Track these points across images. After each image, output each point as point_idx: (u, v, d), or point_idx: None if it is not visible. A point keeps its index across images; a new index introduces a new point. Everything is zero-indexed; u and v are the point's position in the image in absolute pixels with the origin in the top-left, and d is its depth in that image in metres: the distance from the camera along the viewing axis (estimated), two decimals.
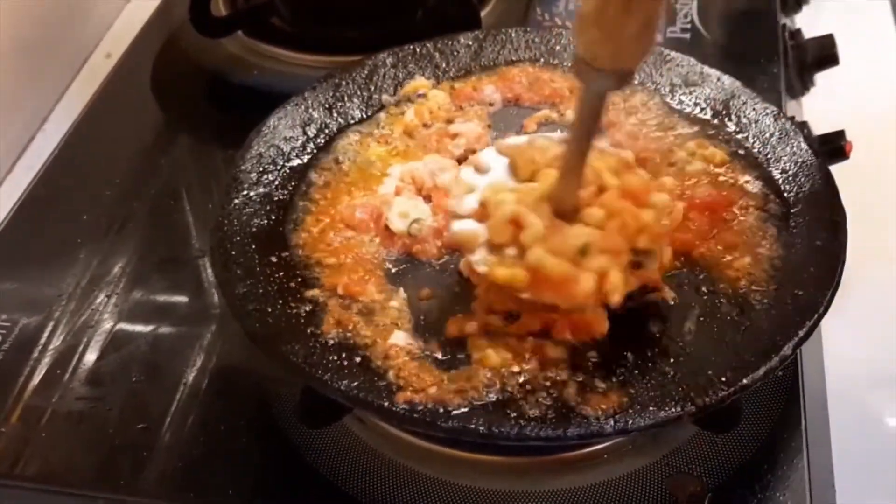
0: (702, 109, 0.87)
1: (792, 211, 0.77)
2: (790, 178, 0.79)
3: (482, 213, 0.69)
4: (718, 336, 0.68)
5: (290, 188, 0.81)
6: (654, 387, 0.65)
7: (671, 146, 0.83)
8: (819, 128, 0.94)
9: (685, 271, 0.73)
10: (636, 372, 0.66)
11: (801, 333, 0.66)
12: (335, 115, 0.87)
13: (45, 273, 0.89)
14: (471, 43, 0.93)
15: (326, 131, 0.86)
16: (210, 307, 0.85)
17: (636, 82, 0.89)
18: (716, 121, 0.86)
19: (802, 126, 0.91)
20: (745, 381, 0.64)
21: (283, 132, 0.84)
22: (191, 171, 1.02)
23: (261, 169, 0.81)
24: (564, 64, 0.92)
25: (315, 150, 0.84)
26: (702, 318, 0.70)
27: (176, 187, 0.99)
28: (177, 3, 1.16)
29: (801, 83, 1.07)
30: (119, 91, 1.11)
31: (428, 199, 0.80)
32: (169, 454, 0.74)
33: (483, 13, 1.11)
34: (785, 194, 0.78)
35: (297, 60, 1.10)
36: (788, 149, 0.81)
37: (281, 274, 0.73)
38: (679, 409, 0.63)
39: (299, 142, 0.85)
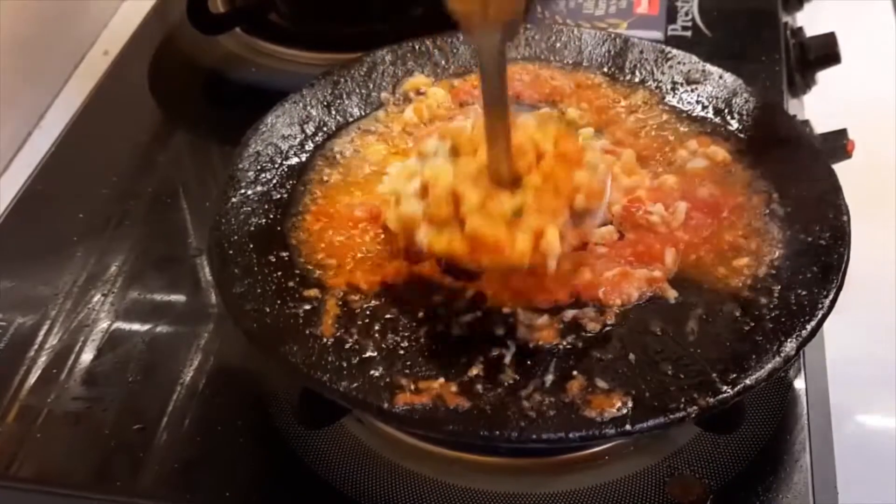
0: (703, 107, 0.86)
1: (794, 210, 0.76)
2: (793, 177, 0.78)
3: (424, 194, 0.70)
4: (721, 336, 0.68)
5: (289, 187, 0.80)
6: (657, 388, 0.64)
7: (672, 144, 0.83)
8: (821, 126, 0.94)
9: (688, 271, 0.73)
10: (638, 373, 0.65)
11: (804, 333, 0.66)
12: (334, 112, 0.87)
13: (41, 271, 0.88)
14: None
15: (325, 129, 0.86)
16: (207, 306, 0.85)
17: (637, 80, 0.89)
18: (717, 119, 0.85)
19: (804, 125, 0.91)
20: (748, 381, 0.63)
21: (281, 130, 0.84)
22: (188, 169, 1.02)
23: (258, 167, 0.81)
24: (566, 61, 0.92)
25: (313, 149, 0.84)
26: (704, 318, 0.69)
27: (173, 185, 0.98)
28: (174, 0, 1.16)
29: (803, 81, 1.07)
30: (116, 88, 1.11)
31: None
32: (166, 455, 0.73)
33: None
34: (787, 193, 0.77)
35: (296, 58, 1.09)
36: (791, 147, 0.81)
37: (279, 273, 0.73)
38: (682, 410, 0.62)
39: (297, 140, 0.84)
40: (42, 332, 0.83)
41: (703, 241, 0.74)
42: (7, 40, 1.06)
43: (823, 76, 1.07)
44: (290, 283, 0.72)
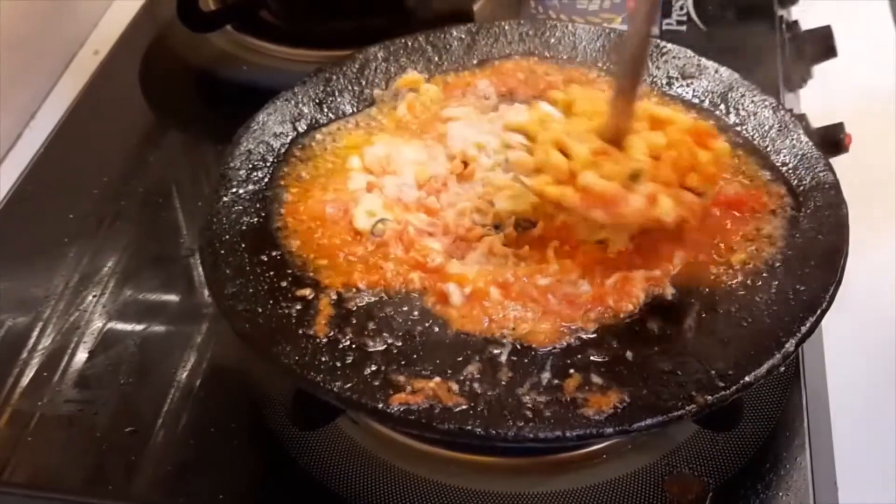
0: (700, 101, 0.86)
1: (793, 204, 0.75)
2: (790, 172, 0.78)
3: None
4: (719, 333, 0.67)
5: (280, 185, 0.79)
6: (655, 385, 0.63)
7: None
8: (817, 120, 0.93)
9: (685, 267, 0.72)
10: (636, 371, 0.65)
11: (803, 330, 0.66)
12: (325, 110, 0.86)
13: (33, 272, 0.88)
14: (464, 36, 0.92)
15: (317, 127, 0.85)
16: (201, 306, 0.84)
17: None
18: (717, 111, 0.85)
19: (801, 119, 0.90)
20: (747, 378, 0.63)
21: (273, 128, 0.83)
22: (180, 168, 1.01)
23: (250, 166, 0.80)
24: (560, 57, 0.91)
25: (304, 147, 0.83)
26: (702, 315, 0.69)
27: (165, 184, 0.98)
28: None
29: (799, 75, 1.06)
30: (107, 88, 1.10)
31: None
32: (159, 458, 0.73)
33: (476, 6, 1.10)
34: (785, 188, 0.77)
35: (287, 55, 1.09)
36: (788, 141, 0.80)
37: (272, 273, 0.72)
38: (680, 407, 0.61)
39: (289, 138, 0.83)
40: (34, 334, 0.82)
41: (711, 239, 0.74)
42: None
43: (820, 70, 1.07)
44: (283, 283, 0.71)
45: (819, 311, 0.67)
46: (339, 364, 0.65)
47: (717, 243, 0.73)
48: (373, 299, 0.70)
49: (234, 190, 0.78)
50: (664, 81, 0.88)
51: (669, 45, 0.89)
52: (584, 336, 0.68)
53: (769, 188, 0.77)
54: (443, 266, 0.72)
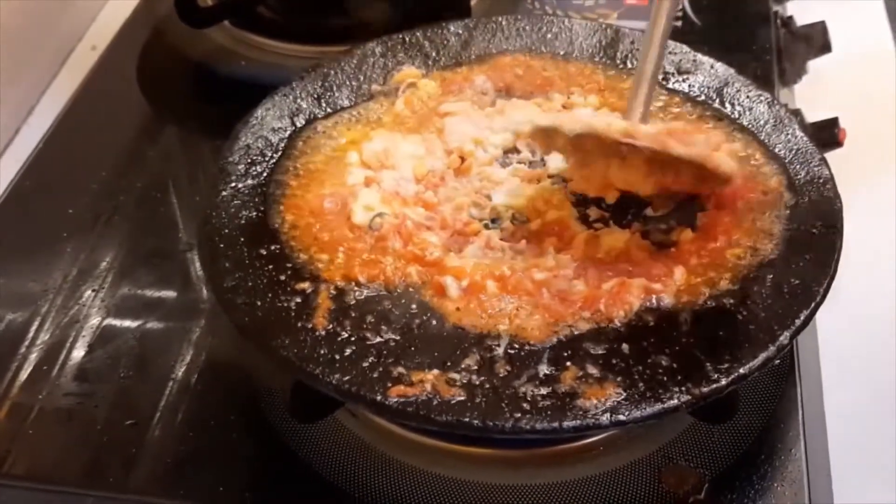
0: (696, 96, 0.86)
1: (788, 199, 0.76)
2: (786, 167, 0.78)
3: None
4: (714, 326, 0.67)
5: (279, 180, 0.80)
6: (651, 378, 0.64)
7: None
8: (812, 115, 0.94)
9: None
10: (632, 363, 0.65)
11: (798, 322, 0.66)
12: (324, 105, 0.86)
13: (31, 268, 0.88)
14: (461, 32, 0.92)
15: (315, 122, 0.85)
16: (198, 301, 0.85)
17: (629, 70, 0.89)
18: (716, 104, 0.85)
19: (796, 114, 0.91)
20: (742, 370, 0.63)
21: (271, 123, 0.83)
22: (178, 164, 1.02)
23: (249, 160, 0.80)
24: (557, 52, 0.91)
25: (302, 142, 0.83)
26: (697, 308, 0.69)
27: (163, 180, 0.98)
28: None
29: (794, 71, 1.07)
30: (105, 83, 1.10)
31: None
32: (158, 451, 0.73)
33: (473, 1, 1.11)
34: (780, 182, 0.77)
35: (285, 50, 1.09)
36: (783, 136, 0.81)
37: (270, 267, 0.72)
38: (676, 400, 0.62)
39: (287, 133, 0.84)
40: (33, 329, 0.83)
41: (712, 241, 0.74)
42: None
43: (814, 65, 1.07)
44: (282, 277, 0.72)
45: (813, 304, 0.67)
46: (337, 357, 0.65)
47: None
48: (371, 293, 0.71)
49: (233, 184, 0.78)
50: (660, 77, 0.88)
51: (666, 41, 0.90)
52: (580, 330, 0.68)
53: (766, 182, 0.77)
54: (441, 259, 0.72)
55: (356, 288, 0.71)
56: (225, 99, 1.06)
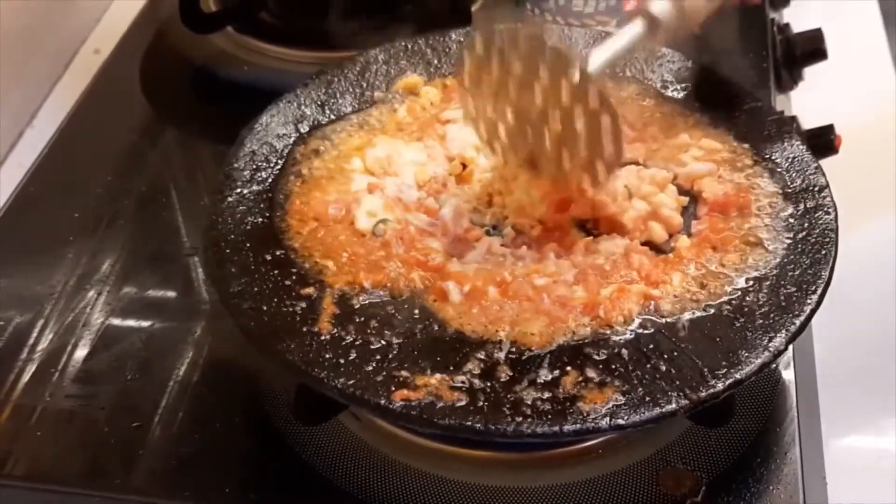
0: (692, 104, 0.87)
1: (784, 206, 0.77)
2: (781, 174, 0.79)
3: None
4: (712, 331, 0.68)
5: (284, 186, 0.80)
6: (649, 382, 0.65)
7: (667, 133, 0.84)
8: (808, 122, 0.94)
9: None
10: (631, 368, 0.66)
11: (793, 328, 0.67)
12: (327, 111, 0.87)
13: (36, 270, 0.88)
14: (462, 39, 0.93)
15: (319, 128, 0.86)
16: (201, 303, 0.85)
17: (629, 75, 0.90)
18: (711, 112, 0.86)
19: (792, 121, 0.91)
20: (738, 375, 0.64)
21: (276, 129, 0.84)
22: (180, 168, 1.02)
23: (254, 166, 0.81)
24: None
25: (306, 148, 0.84)
26: (695, 314, 0.70)
27: (165, 183, 0.99)
28: None
29: (790, 77, 1.07)
30: (108, 87, 1.11)
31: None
32: (161, 452, 0.74)
33: (473, 9, 1.11)
34: (776, 189, 0.78)
35: (287, 56, 1.10)
36: (779, 143, 0.82)
37: (276, 272, 0.73)
38: (674, 404, 0.63)
39: (292, 139, 0.84)
40: (36, 331, 0.83)
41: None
42: None
43: (810, 72, 1.08)
44: (287, 282, 0.72)
45: (809, 311, 0.68)
46: (342, 361, 0.66)
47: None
48: (375, 298, 0.71)
49: (239, 190, 0.79)
50: (659, 85, 0.89)
51: (663, 49, 0.90)
52: (580, 335, 0.69)
53: (762, 190, 0.78)
54: (443, 265, 0.73)
55: (360, 293, 0.71)
56: (227, 103, 1.06)
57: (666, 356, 0.67)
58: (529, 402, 0.64)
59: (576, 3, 1.12)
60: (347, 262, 0.73)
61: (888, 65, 1.15)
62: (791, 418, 0.74)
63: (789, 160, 0.80)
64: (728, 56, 1.02)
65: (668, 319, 0.69)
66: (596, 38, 0.93)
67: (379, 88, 0.90)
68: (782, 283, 0.71)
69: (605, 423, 0.62)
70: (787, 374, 0.77)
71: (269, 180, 0.81)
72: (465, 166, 0.82)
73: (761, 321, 0.68)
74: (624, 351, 0.67)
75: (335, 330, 0.69)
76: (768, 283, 0.71)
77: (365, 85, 0.90)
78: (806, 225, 0.75)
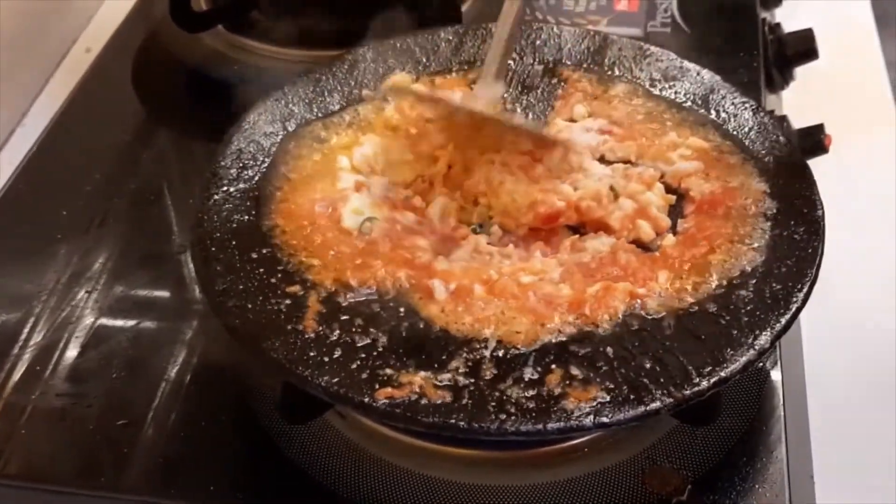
0: (681, 102, 0.87)
1: (771, 205, 0.77)
2: (769, 172, 0.79)
3: None
4: (697, 330, 0.68)
5: (271, 184, 0.80)
6: (634, 381, 0.65)
7: (655, 132, 0.84)
8: (798, 122, 0.95)
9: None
10: (616, 366, 0.66)
11: (778, 327, 0.67)
12: (315, 110, 0.87)
13: (26, 269, 0.88)
14: (451, 38, 0.93)
15: (306, 126, 0.86)
16: (191, 303, 0.85)
17: (618, 74, 0.90)
18: (701, 111, 0.86)
19: (782, 120, 0.92)
20: (723, 373, 0.64)
21: (264, 127, 0.84)
22: (171, 166, 1.02)
23: (241, 165, 0.81)
24: (547, 59, 0.92)
25: (294, 146, 0.84)
26: (680, 312, 0.70)
27: (157, 182, 0.98)
28: None
29: (781, 77, 1.08)
30: (99, 86, 1.11)
31: None
32: (151, 450, 0.74)
33: (463, 8, 1.11)
34: (763, 188, 0.78)
35: (278, 55, 1.10)
36: (767, 143, 0.82)
37: (262, 270, 0.73)
38: (658, 402, 0.63)
39: (279, 137, 0.84)
40: (26, 329, 0.83)
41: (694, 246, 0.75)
42: None
43: (801, 72, 1.08)
44: (273, 280, 0.72)
45: (794, 309, 0.68)
46: (326, 359, 0.66)
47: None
48: (361, 296, 0.71)
49: (225, 188, 0.79)
50: (647, 84, 0.89)
51: (652, 48, 0.91)
52: (565, 333, 0.69)
53: (749, 188, 0.79)
54: (430, 263, 0.73)
55: (346, 291, 0.71)
56: (218, 102, 1.05)
57: (651, 354, 0.67)
58: (514, 400, 0.64)
59: (566, 2, 1.12)
60: (333, 261, 0.73)
61: (879, 65, 1.15)
62: (778, 417, 0.74)
63: (777, 159, 0.80)
64: (720, 55, 1.03)
65: (654, 317, 0.69)
66: (584, 36, 0.93)
67: (368, 86, 0.90)
68: (768, 281, 0.71)
69: (589, 421, 0.62)
70: (775, 373, 0.77)
71: (256, 178, 0.81)
72: (451, 166, 0.82)
73: (747, 319, 0.68)
74: (609, 349, 0.67)
75: (320, 328, 0.69)
76: (754, 281, 0.71)
77: (353, 83, 0.89)
78: (792, 223, 0.75)
